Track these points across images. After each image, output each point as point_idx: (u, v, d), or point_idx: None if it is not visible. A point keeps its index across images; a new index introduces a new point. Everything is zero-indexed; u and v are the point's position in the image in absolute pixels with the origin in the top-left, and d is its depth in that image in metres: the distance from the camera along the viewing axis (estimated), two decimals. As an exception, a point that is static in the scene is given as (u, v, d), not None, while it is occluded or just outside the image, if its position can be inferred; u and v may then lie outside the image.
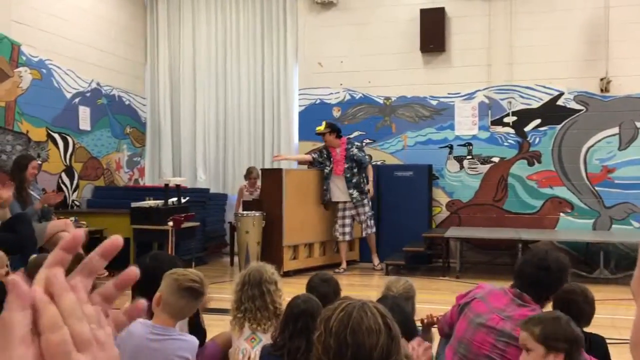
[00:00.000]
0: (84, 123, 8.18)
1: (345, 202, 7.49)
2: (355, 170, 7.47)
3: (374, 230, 7.61)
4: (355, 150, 7.52)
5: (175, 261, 3.25)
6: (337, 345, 1.33)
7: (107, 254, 0.55)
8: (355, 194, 7.43)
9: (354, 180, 7.44)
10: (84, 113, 8.17)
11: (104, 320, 0.53)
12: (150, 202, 6.74)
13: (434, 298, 5.47)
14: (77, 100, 8.03)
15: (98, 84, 8.45)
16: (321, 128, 7.55)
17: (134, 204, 6.73)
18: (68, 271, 0.54)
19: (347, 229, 7.52)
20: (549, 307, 2.62)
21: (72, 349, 0.48)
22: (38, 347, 0.48)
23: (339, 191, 7.49)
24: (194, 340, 2.56)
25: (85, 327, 0.50)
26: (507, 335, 2.44)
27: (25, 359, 0.48)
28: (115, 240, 0.54)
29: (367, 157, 7.71)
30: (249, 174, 8.12)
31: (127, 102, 9.18)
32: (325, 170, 7.55)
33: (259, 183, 7.90)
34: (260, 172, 7.85)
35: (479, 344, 2.49)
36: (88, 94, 8.25)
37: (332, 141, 7.52)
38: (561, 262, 2.57)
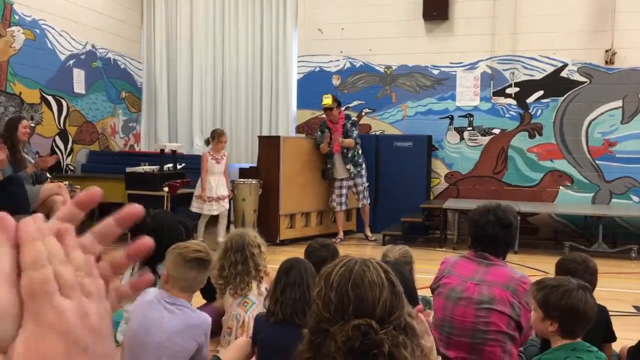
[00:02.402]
0: (79, 86, 8.04)
1: (344, 178, 7.45)
2: (344, 149, 7.38)
3: (368, 201, 7.56)
4: (348, 126, 7.40)
5: (176, 221, 3.20)
6: (339, 300, 1.28)
7: (124, 222, 0.51)
8: (352, 168, 7.38)
9: (349, 155, 7.37)
10: (79, 76, 8.02)
11: (95, 271, 0.48)
12: (145, 168, 6.66)
13: (430, 268, 5.42)
14: (71, 62, 7.87)
15: (93, 46, 8.28)
16: (329, 102, 7.33)
17: (128, 169, 6.64)
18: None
19: (344, 199, 7.49)
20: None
21: (54, 290, 0.44)
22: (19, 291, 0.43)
23: (340, 168, 7.44)
24: (207, 320, 2.51)
25: (69, 271, 0.45)
26: (486, 301, 2.40)
27: (4, 302, 0.42)
28: (135, 209, 0.51)
29: (358, 137, 7.49)
30: (215, 136, 6.76)
31: (122, 66, 9.01)
32: (328, 150, 7.43)
33: (225, 151, 6.95)
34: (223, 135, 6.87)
35: (461, 318, 2.45)
36: (83, 57, 8.08)
37: (335, 116, 7.39)
38: (515, 216, 2.59)
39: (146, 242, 0.52)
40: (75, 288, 0.45)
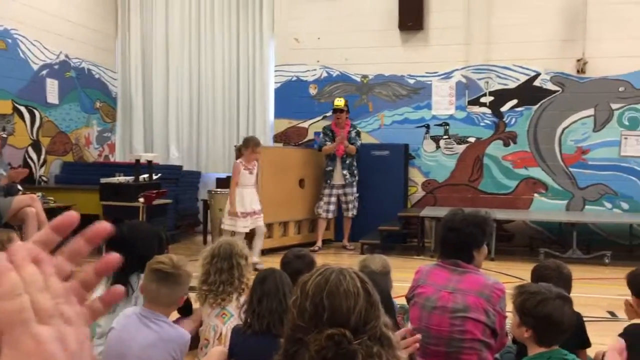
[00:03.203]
0: (52, 96, 7.92)
1: (339, 184, 7.49)
2: (346, 154, 7.48)
3: (355, 214, 7.61)
4: (353, 134, 7.56)
5: (152, 232, 3.16)
6: (313, 308, 1.28)
7: (93, 240, 0.51)
8: (348, 175, 7.47)
9: (347, 162, 7.46)
10: (52, 86, 7.90)
11: (73, 298, 0.49)
12: (120, 178, 6.58)
13: (409, 277, 5.43)
14: (44, 72, 7.75)
15: (67, 56, 8.18)
16: (341, 104, 7.50)
17: (103, 180, 6.55)
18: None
19: (332, 207, 7.54)
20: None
21: (31, 318, 0.45)
22: None
23: (337, 174, 7.50)
24: (184, 335, 2.47)
25: (46, 299, 0.46)
26: (460, 309, 2.41)
27: None
28: (103, 227, 0.52)
29: (359, 147, 7.64)
30: (249, 145, 6.08)
31: (97, 76, 8.91)
32: (331, 153, 7.50)
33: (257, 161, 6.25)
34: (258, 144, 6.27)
35: (437, 327, 2.45)
36: (56, 66, 7.97)
37: (343, 120, 7.50)
38: (479, 219, 2.58)
39: (113, 257, 0.52)
40: (54, 315, 0.46)
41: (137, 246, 2.78)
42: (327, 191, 7.51)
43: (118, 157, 9.31)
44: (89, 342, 0.48)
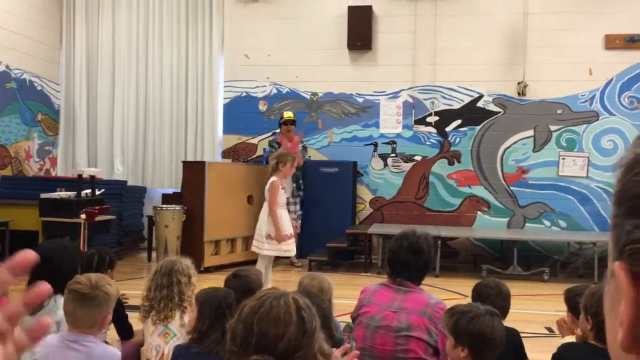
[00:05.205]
0: (-10, 107, 7.63)
1: (287, 199, 7.41)
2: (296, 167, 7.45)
3: (298, 230, 7.59)
4: (300, 148, 7.56)
5: (73, 249, 3.08)
6: (244, 333, 1.29)
7: (18, 271, 0.50)
8: (295, 190, 7.46)
9: (296, 175, 7.42)
10: (-10, 97, 7.61)
11: (6, 339, 0.47)
12: (61, 194, 6.37)
13: (355, 294, 5.46)
14: (-18, 82, 7.47)
15: (7, 66, 7.90)
16: (292, 116, 7.53)
17: (43, 195, 6.33)
18: None
19: None
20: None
21: None
22: None
23: (287, 188, 7.30)
24: (115, 354, 2.40)
25: None
26: (404, 328, 2.45)
27: None
28: (28, 256, 0.50)
29: (308, 157, 7.70)
30: (287, 161, 5.51)
31: (39, 88, 8.64)
32: None
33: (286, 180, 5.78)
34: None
35: (381, 347, 2.49)
36: (-5, 77, 7.70)
37: (291, 135, 7.50)
38: (430, 242, 2.66)
39: (44, 288, 0.51)
40: None
41: (59, 266, 2.70)
42: None
43: (60, 172, 9.02)
44: None
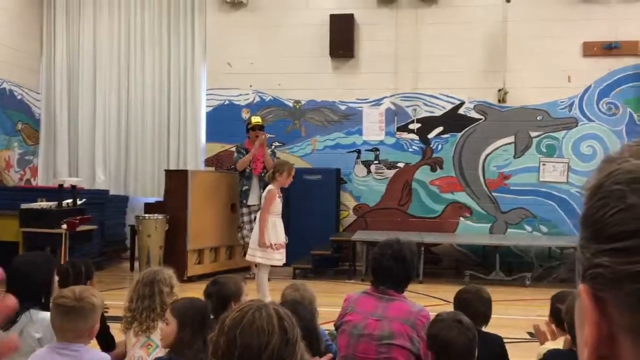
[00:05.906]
0: (-31, 117, 7.53)
1: (255, 205, 7.30)
2: (265, 171, 7.35)
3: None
4: (269, 153, 7.44)
5: (47, 262, 3.05)
6: (226, 345, 1.29)
7: None
8: (265, 193, 7.32)
9: (261, 182, 7.32)
10: (-31, 106, 7.52)
11: None
12: (42, 204, 6.30)
13: (340, 301, 5.47)
14: (-40, 92, 7.38)
15: (-14, 75, 7.82)
16: (260, 121, 7.44)
17: (24, 205, 6.26)
18: None
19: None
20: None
21: None
22: None
23: (254, 194, 7.21)
24: (105, 358, 2.39)
25: None
26: (386, 336, 2.47)
27: None
28: (10, 302, 0.47)
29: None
30: (284, 170, 5.65)
31: (19, 97, 8.56)
32: (247, 170, 7.33)
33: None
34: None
35: (363, 355, 2.50)
36: (-26, 86, 7.61)
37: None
38: (413, 250, 2.69)
39: (9, 302, 0.51)
40: None
41: (33, 279, 2.70)
42: (246, 218, 7.20)
43: (40, 181, 8.92)
44: None
